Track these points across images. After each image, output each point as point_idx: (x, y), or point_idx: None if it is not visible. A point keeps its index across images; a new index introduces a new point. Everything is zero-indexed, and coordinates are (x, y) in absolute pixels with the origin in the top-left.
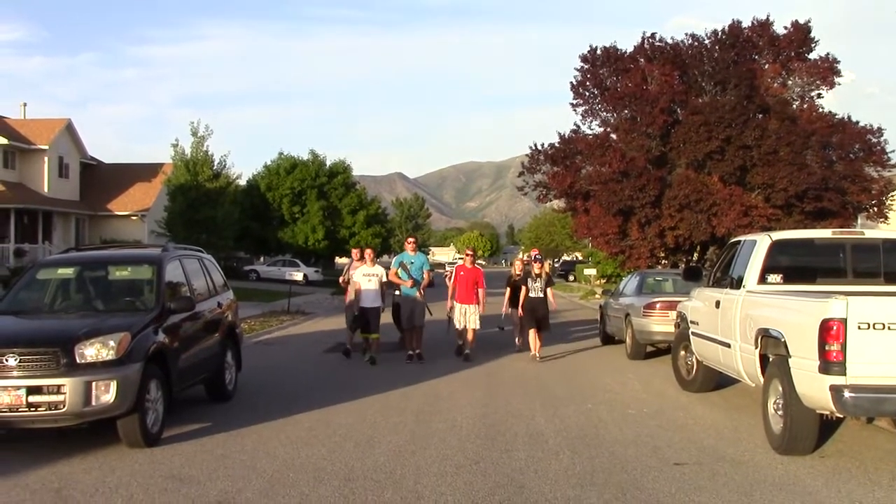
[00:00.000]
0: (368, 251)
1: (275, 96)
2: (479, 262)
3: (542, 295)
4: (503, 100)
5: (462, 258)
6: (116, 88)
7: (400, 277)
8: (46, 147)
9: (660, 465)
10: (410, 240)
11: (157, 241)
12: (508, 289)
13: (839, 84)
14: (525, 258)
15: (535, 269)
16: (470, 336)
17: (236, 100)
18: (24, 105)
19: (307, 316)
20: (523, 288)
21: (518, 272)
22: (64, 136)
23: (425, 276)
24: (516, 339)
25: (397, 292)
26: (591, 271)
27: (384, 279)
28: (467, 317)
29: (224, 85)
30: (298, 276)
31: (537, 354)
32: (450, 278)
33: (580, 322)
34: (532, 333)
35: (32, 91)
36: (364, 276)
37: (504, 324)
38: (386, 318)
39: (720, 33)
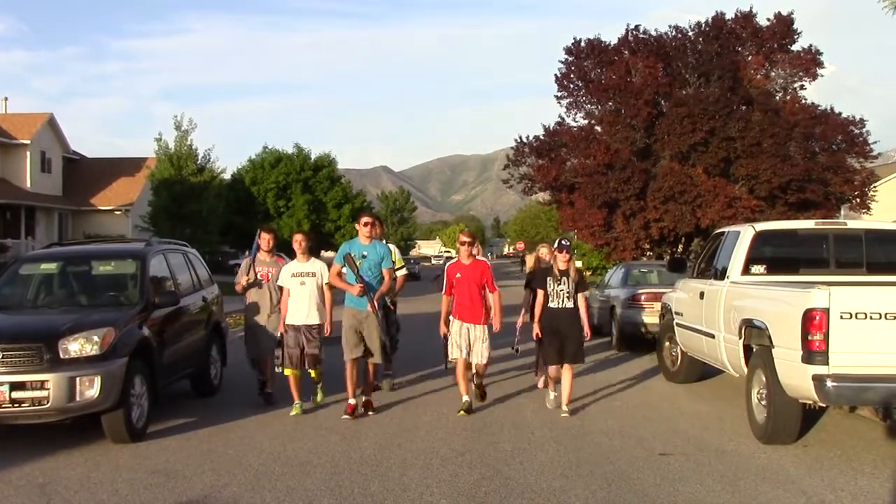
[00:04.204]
0: (298, 237)
1: (259, 90)
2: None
3: (570, 306)
4: (489, 92)
5: (450, 251)
6: (99, 82)
7: (345, 280)
8: (28, 142)
9: (645, 456)
10: (365, 220)
11: (140, 235)
12: (528, 291)
13: (821, 76)
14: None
15: (561, 262)
16: (479, 373)
17: (221, 93)
18: (6, 99)
19: None
20: (539, 293)
21: (543, 265)
22: (46, 130)
23: (385, 277)
24: (536, 377)
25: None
26: (576, 263)
27: (324, 281)
28: (472, 343)
29: (208, 78)
30: None
31: (565, 406)
32: (439, 280)
33: None
34: (554, 371)
35: (13, 85)
36: (294, 276)
37: (521, 342)
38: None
39: (704, 25)
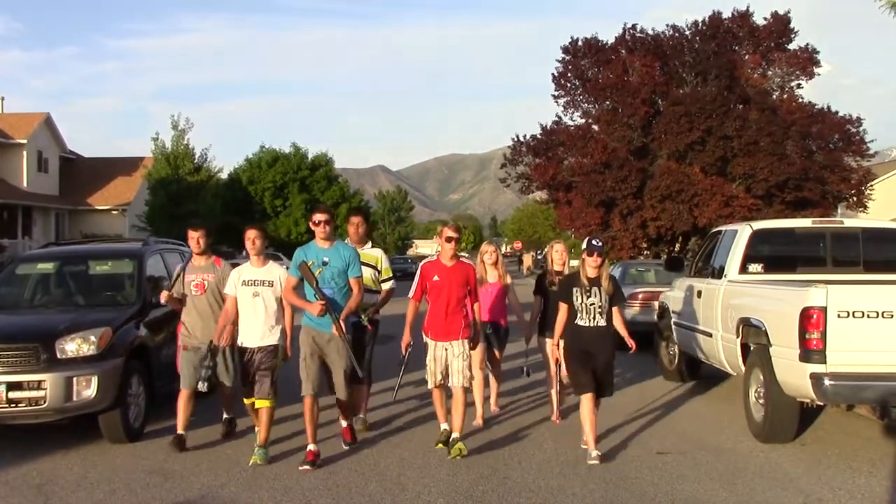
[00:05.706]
0: (252, 234)
1: (256, 89)
2: (462, 254)
3: (603, 324)
4: (486, 91)
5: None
6: (96, 82)
7: (303, 296)
8: (25, 141)
9: (643, 455)
10: (317, 216)
11: (138, 235)
12: (539, 298)
13: (818, 75)
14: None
15: (590, 269)
16: (458, 405)
17: (218, 93)
18: (2, 99)
19: None
20: (563, 307)
21: (557, 268)
22: (43, 130)
23: (354, 289)
24: (553, 410)
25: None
26: (573, 262)
27: (279, 292)
28: (450, 365)
29: (205, 78)
30: None
31: (594, 451)
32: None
33: None
34: (586, 403)
35: (10, 85)
36: (246, 285)
37: (531, 363)
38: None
39: (700, 24)
